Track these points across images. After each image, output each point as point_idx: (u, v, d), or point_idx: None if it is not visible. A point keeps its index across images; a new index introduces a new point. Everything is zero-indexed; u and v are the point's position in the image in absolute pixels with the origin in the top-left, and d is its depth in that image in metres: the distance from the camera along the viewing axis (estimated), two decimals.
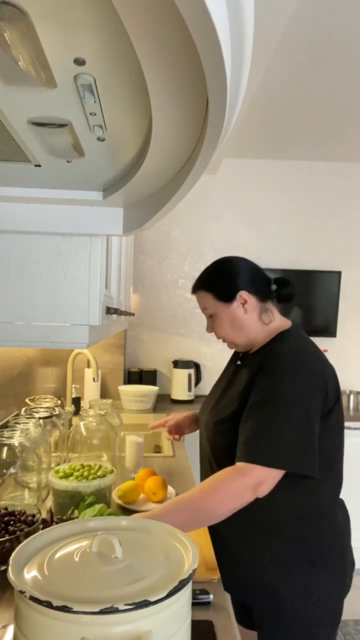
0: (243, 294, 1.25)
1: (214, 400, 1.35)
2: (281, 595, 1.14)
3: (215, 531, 1.24)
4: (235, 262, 1.31)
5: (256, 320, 1.26)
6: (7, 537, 1.00)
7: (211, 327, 1.33)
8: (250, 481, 1.05)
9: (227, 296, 1.26)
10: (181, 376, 3.17)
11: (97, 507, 1.20)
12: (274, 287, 1.31)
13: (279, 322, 1.28)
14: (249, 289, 1.26)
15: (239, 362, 1.34)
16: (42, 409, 1.65)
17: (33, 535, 0.74)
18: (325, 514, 1.18)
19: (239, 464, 1.08)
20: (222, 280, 1.29)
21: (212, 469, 1.25)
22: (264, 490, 1.06)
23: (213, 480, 1.08)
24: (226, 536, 1.23)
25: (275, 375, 1.14)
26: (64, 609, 0.56)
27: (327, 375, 1.16)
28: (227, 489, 1.05)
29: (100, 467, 1.40)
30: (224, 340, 1.33)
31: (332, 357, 1.38)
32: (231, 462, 1.12)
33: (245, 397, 1.18)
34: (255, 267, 1.31)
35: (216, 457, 1.26)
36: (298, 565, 1.15)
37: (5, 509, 1.14)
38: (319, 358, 1.20)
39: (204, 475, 1.33)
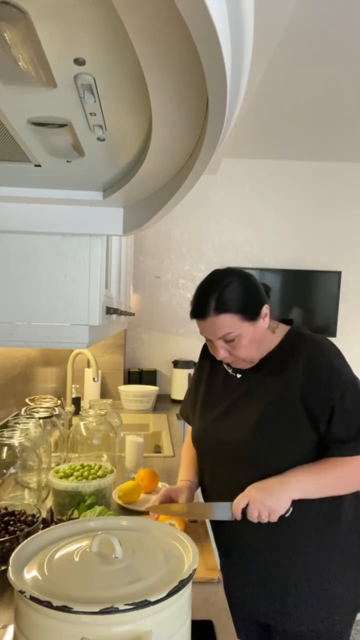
0: (265, 308, 1.16)
1: (227, 413, 1.23)
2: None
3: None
4: (245, 274, 1.19)
5: (267, 330, 1.20)
6: (7, 537, 1.00)
7: (229, 352, 1.16)
8: None
9: (254, 314, 1.14)
10: (181, 376, 3.17)
11: (97, 509, 1.19)
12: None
13: (272, 322, 1.23)
14: (266, 300, 1.18)
15: (239, 375, 1.24)
16: (42, 409, 1.65)
17: (33, 535, 0.74)
18: None
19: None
20: (249, 296, 1.15)
21: (238, 476, 1.18)
22: None
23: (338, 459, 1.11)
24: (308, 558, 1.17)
25: (333, 371, 1.13)
26: (64, 609, 0.57)
27: None
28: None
29: (100, 467, 1.40)
30: (233, 363, 1.21)
31: None
32: (274, 460, 1.13)
33: (288, 397, 1.14)
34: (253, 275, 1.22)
35: (260, 459, 1.16)
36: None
37: (5, 509, 1.14)
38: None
39: (220, 482, 1.25)
